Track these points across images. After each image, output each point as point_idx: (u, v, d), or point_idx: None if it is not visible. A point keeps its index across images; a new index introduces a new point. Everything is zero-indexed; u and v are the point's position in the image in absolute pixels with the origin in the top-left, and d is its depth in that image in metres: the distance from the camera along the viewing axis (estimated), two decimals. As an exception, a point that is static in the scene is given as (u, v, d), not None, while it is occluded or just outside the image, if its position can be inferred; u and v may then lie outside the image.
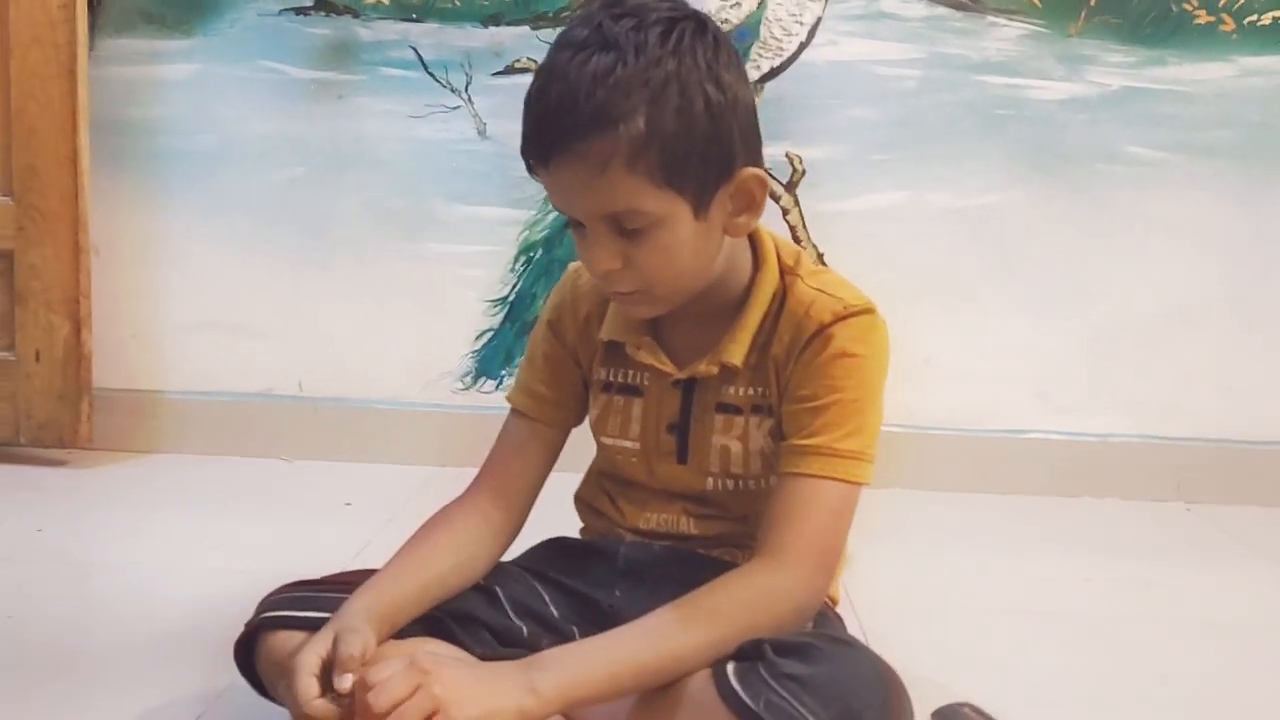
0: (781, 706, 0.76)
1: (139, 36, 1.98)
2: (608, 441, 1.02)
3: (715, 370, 0.95)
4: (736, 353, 0.94)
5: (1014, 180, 1.95)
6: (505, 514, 0.98)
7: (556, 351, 1.02)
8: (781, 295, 0.95)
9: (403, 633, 0.90)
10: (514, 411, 1.03)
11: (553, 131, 0.81)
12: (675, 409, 0.98)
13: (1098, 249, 1.96)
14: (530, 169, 0.87)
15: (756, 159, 0.89)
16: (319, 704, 0.78)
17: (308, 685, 0.79)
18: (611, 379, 1.01)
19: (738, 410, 0.96)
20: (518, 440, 1.01)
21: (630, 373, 1.00)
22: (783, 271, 0.96)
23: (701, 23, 0.86)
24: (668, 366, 0.97)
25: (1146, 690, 1.18)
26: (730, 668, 0.80)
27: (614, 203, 0.83)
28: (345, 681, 0.78)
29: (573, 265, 1.05)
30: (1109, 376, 1.98)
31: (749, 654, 0.81)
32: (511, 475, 1.00)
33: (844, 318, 0.91)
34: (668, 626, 0.83)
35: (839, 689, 0.78)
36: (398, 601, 0.88)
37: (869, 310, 0.93)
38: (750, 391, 0.96)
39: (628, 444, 1.01)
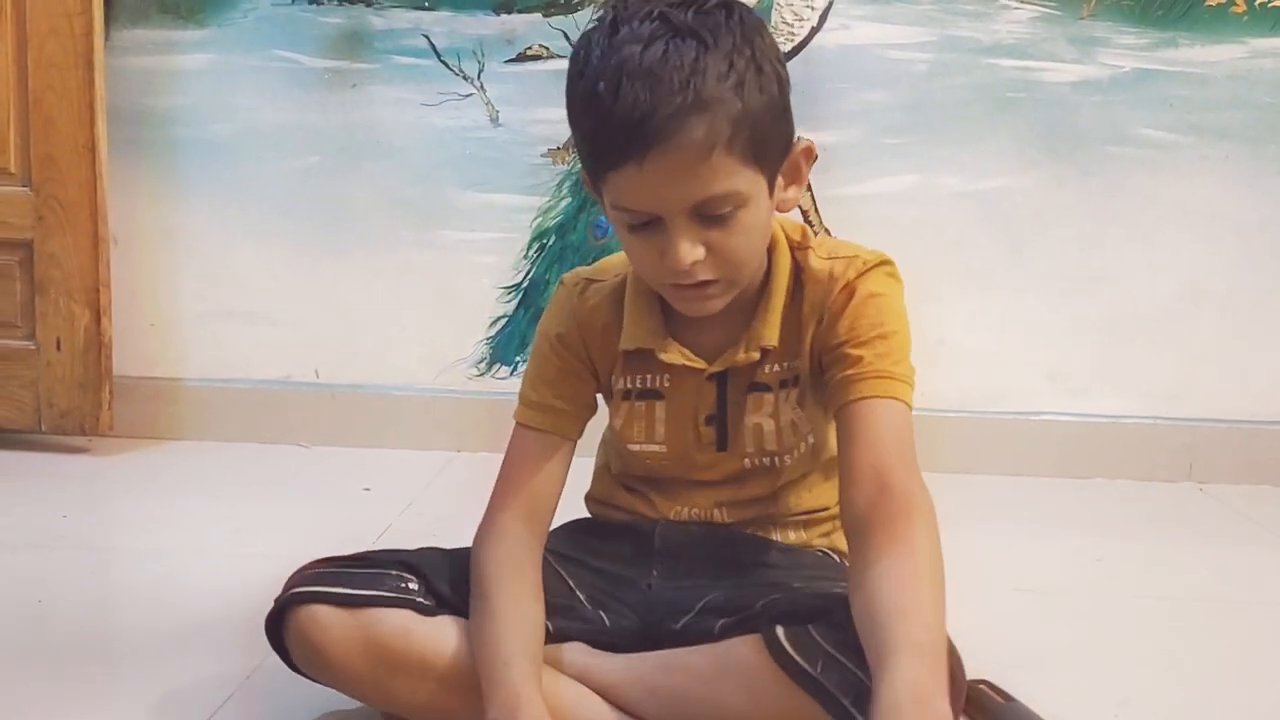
0: (840, 671, 0.79)
1: (154, 27, 2.00)
2: (635, 448, 1.02)
3: (756, 356, 0.96)
4: (771, 335, 0.95)
5: (1026, 163, 1.95)
6: (538, 537, 0.98)
7: (570, 364, 1.01)
8: (796, 270, 0.96)
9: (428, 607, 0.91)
10: (526, 429, 1.00)
11: (648, 125, 0.80)
12: (711, 401, 0.99)
13: (1109, 231, 1.96)
14: (601, 174, 0.85)
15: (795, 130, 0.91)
16: None
17: None
18: (631, 385, 1.01)
19: (767, 388, 0.98)
20: (538, 458, 0.99)
21: (650, 377, 1.00)
22: (793, 248, 0.97)
23: (744, 4, 0.87)
24: (698, 363, 0.97)
25: (1157, 666, 1.19)
26: (782, 633, 0.82)
27: (712, 187, 0.83)
28: None
29: (568, 278, 1.04)
30: (1121, 358, 1.99)
31: (796, 617, 0.82)
32: (537, 495, 0.98)
33: (864, 273, 0.94)
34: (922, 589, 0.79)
35: None
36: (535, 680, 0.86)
37: (884, 261, 0.96)
38: (779, 368, 0.97)
39: (655, 447, 1.01)
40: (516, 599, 0.90)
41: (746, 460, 1.00)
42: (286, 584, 0.94)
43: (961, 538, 1.60)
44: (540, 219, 2.00)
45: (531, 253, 2.02)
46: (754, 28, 0.85)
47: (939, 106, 1.95)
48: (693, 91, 0.80)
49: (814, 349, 0.96)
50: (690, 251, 0.85)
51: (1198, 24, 1.91)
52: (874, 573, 0.80)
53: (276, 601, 0.93)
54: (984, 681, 1.05)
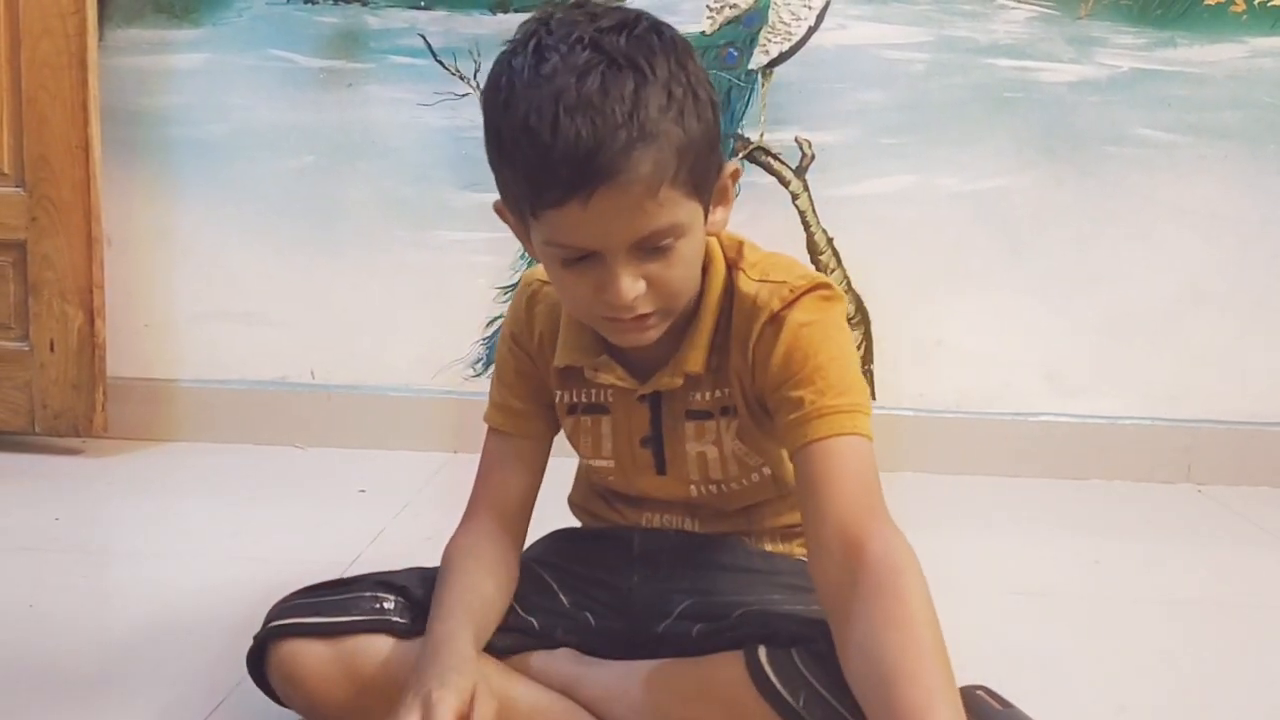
0: (823, 703, 0.77)
1: (148, 26, 1.99)
2: (586, 459, 1.02)
3: (679, 382, 0.93)
4: (697, 359, 0.91)
5: (1023, 163, 1.95)
6: (510, 534, 0.97)
7: (524, 364, 1.00)
8: (729, 290, 0.92)
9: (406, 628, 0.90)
10: (493, 431, 1.00)
11: (593, 164, 0.75)
12: (645, 422, 0.96)
13: (1108, 231, 1.96)
14: (534, 211, 0.80)
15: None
16: None
17: None
18: (576, 400, 0.99)
19: (708, 414, 0.94)
20: (503, 460, 0.99)
21: (593, 391, 0.98)
22: (728, 264, 0.93)
23: (664, 23, 0.83)
24: (629, 383, 0.94)
25: (1156, 670, 1.19)
26: (764, 655, 0.81)
27: (657, 221, 0.79)
28: None
29: (525, 276, 1.02)
30: (1119, 359, 1.98)
31: (779, 639, 0.81)
32: (506, 495, 0.98)
33: (791, 303, 0.88)
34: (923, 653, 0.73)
35: None
36: (480, 638, 0.87)
37: (816, 285, 0.90)
38: (715, 394, 0.94)
39: (603, 462, 1.00)
40: (468, 589, 0.90)
41: (693, 488, 0.97)
42: (265, 618, 0.93)
43: (958, 540, 1.61)
44: (536, 219, 2.00)
45: (527, 253, 2.01)
46: (684, 51, 0.81)
47: (936, 106, 1.94)
48: (637, 125, 0.76)
49: (745, 385, 0.92)
50: (632, 287, 0.81)
51: (1196, 23, 1.91)
52: (867, 641, 0.73)
53: (255, 638, 0.92)
54: (981, 687, 1.04)
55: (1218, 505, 1.85)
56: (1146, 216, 1.95)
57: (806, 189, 1.96)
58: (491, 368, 1.99)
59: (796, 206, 1.95)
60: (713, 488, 0.97)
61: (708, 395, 0.94)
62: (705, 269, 0.91)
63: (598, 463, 1.00)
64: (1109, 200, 1.95)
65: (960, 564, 1.51)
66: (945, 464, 1.96)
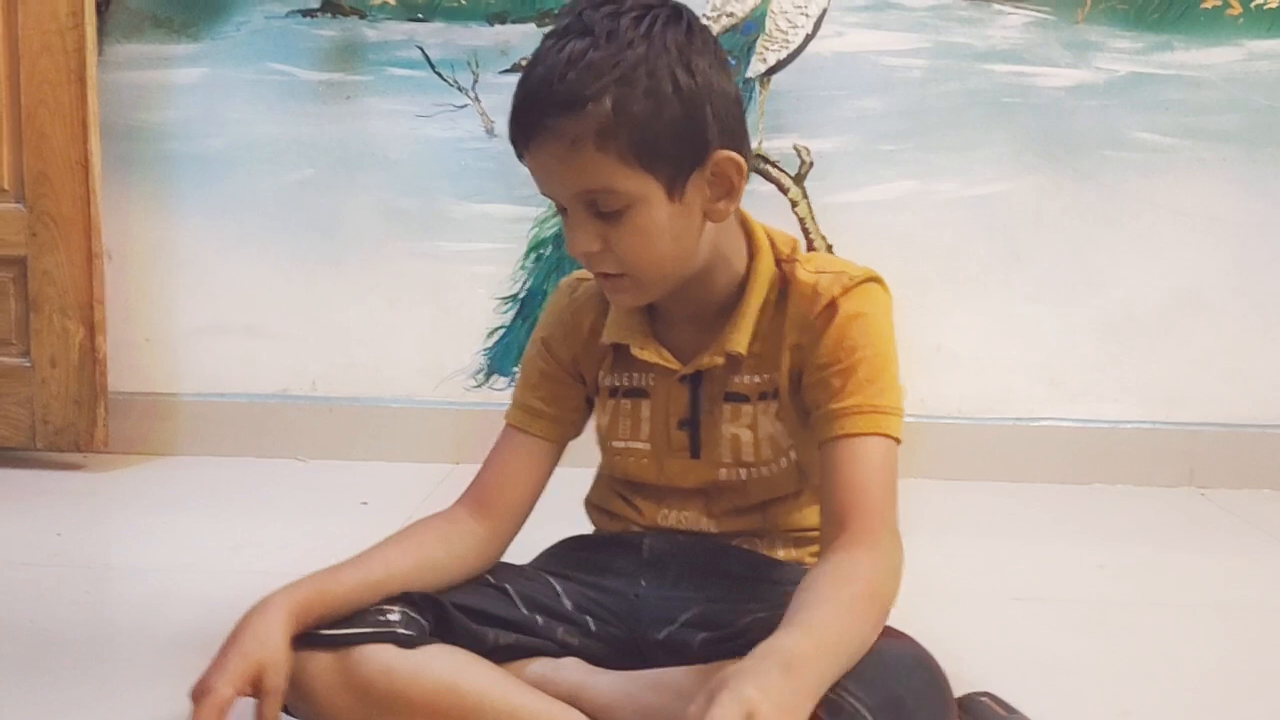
0: (827, 695, 0.77)
1: (147, 41, 1.99)
2: (619, 445, 1.03)
3: (721, 361, 0.96)
4: (741, 341, 0.95)
5: (1022, 168, 1.95)
6: (487, 525, 0.99)
7: (552, 368, 1.04)
8: (782, 284, 0.96)
9: (410, 631, 0.91)
10: (509, 428, 1.04)
11: (531, 113, 0.85)
12: (684, 404, 0.99)
13: (1106, 236, 1.96)
14: (518, 155, 0.90)
15: (736, 146, 0.90)
16: None
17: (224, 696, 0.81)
18: (618, 384, 1.02)
19: (745, 398, 0.98)
20: (510, 454, 1.02)
21: (636, 375, 1.01)
22: (780, 260, 0.97)
23: (677, 10, 0.88)
24: (673, 363, 0.98)
25: (1160, 674, 1.18)
26: None
27: (587, 181, 0.86)
28: None
29: (565, 281, 1.07)
30: (1119, 363, 1.98)
31: None
32: (496, 488, 1.00)
33: (849, 289, 0.94)
34: (828, 616, 0.78)
35: (881, 674, 0.78)
36: (332, 600, 0.89)
37: (871, 278, 0.95)
38: (756, 379, 0.97)
39: (639, 445, 1.02)
40: (386, 546, 0.94)
41: (722, 471, 0.99)
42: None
43: (961, 546, 1.61)
44: (537, 229, 2.00)
45: (528, 263, 2.02)
46: (663, 33, 0.85)
47: (934, 112, 1.94)
48: (564, 86, 0.83)
49: (793, 364, 0.95)
50: (582, 241, 0.89)
51: (1193, 27, 1.91)
52: (806, 581, 0.81)
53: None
54: (986, 693, 1.05)
55: (1220, 509, 1.85)
56: (1145, 220, 1.95)
57: (805, 196, 1.96)
58: (494, 377, 2.03)
59: (795, 214, 1.96)
60: (742, 471, 0.99)
61: (749, 379, 0.97)
62: (753, 258, 0.96)
63: (633, 445, 1.02)
64: (1108, 204, 1.95)
65: (963, 570, 1.51)
66: (947, 470, 1.96)
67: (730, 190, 0.91)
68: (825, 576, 0.82)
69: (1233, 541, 1.70)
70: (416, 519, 1.00)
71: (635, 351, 0.98)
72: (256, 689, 0.83)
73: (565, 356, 1.03)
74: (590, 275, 1.02)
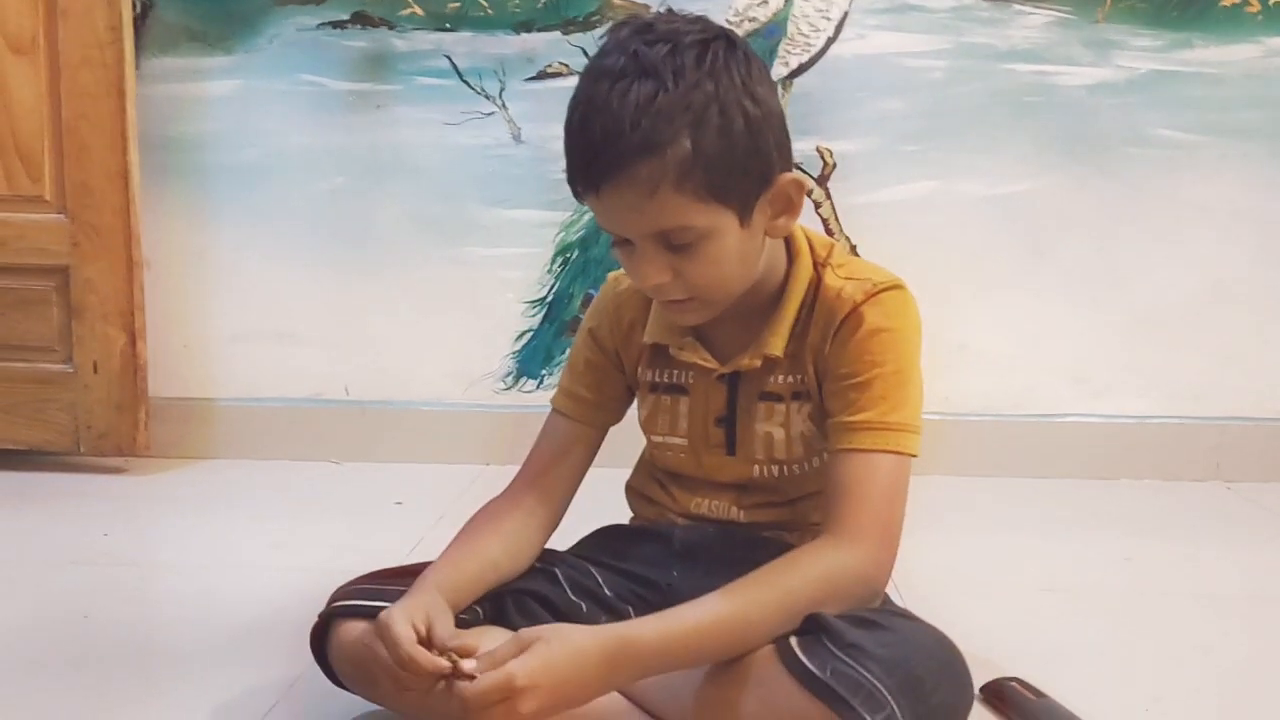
0: (848, 674, 0.80)
1: (182, 55, 2.04)
2: (657, 439, 1.07)
3: (758, 363, 0.99)
4: (777, 344, 0.98)
5: (1045, 167, 1.97)
6: (545, 509, 1.03)
7: (598, 358, 1.07)
8: (815, 286, 0.98)
9: (465, 615, 0.94)
10: (555, 412, 1.08)
11: (601, 161, 0.85)
12: (722, 402, 1.02)
13: (1130, 232, 1.97)
14: (578, 195, 0.90)
15: (789, 163, 0.93)
16: (424, 654, 0.83)
17: (407, 633, 0.83)
18: (658, 380, 1.05)
19: (779, 398, 1.00)
20: (557, 440, 1.06)
21: (675, 372, 1.04)
22: (815, 264, 0.99)
23: (731, 41, 0.89)
24: (711, 363, 1.00)
25: (1188, 664, 1.20)
26: (794, 641, 0.84)
27: (663, 221, 0.87)
28: (469, 664, 0.82)
29: (612, 275, 1.10)
30: (1145, 358, 1.99)
31: (810, 628, 0.84)
32: (551, 473, 1.04)
33: (873, 295, 0.95)
34: (741, 602, 0.85)
35: (901, 656, 0.82)
36: (461, 584, 0.94)
37: (896, 286, 0.97)
38: (790, 379, 0.99)
39: (677, 440, 1.05)
40: (478, 536, 0.98)
41: (756, 468, 1.02)
42: (329, 599, 0.97)
43: (989, 541, 1.63)
44: (563, 234, 2.03)
45: (555, 267, 2.05)
46: (727, 66, 0.86)
47: (956, 113, 1.96)
48: (640, 133, 0.83)
49: (816, 367, 0.98)
50: (653, 275, 0.90)
51: (1212, 24, 1.92)
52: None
53: (320, 615, 0.96)
54: (1015, 679, 1.07)
55: (1247, 502, 1.86)
56: (1168, 216, 1.96)
57: (829, 197, 1.98)
58: (523, 380, 2.06)
59: (819, 215, 1.98)
60: (775, 468, 1.02)
61: (783, 379, 1.00)
62: (793, 262, 0.99)
63: (672, 440, 1.05)
64: (1131, 201, 1.96)
65: (992, 564, 1.53)
66: (973, 467, 1.97)
67: (789, 208, 0.93)
68: (781, 560, 0.87)
69: (1259, 534, 1.71)
70: (485, 506, 1.03)
71: (675, 353, 1.01)
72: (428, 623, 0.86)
73: (610, 347, 1.07)
74: None
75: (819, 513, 0.94)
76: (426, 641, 0.84)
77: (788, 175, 0.92)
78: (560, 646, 0.80)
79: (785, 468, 1.02)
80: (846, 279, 0.97)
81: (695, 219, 0.87)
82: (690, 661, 0.85)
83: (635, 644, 0.82)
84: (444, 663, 0.82)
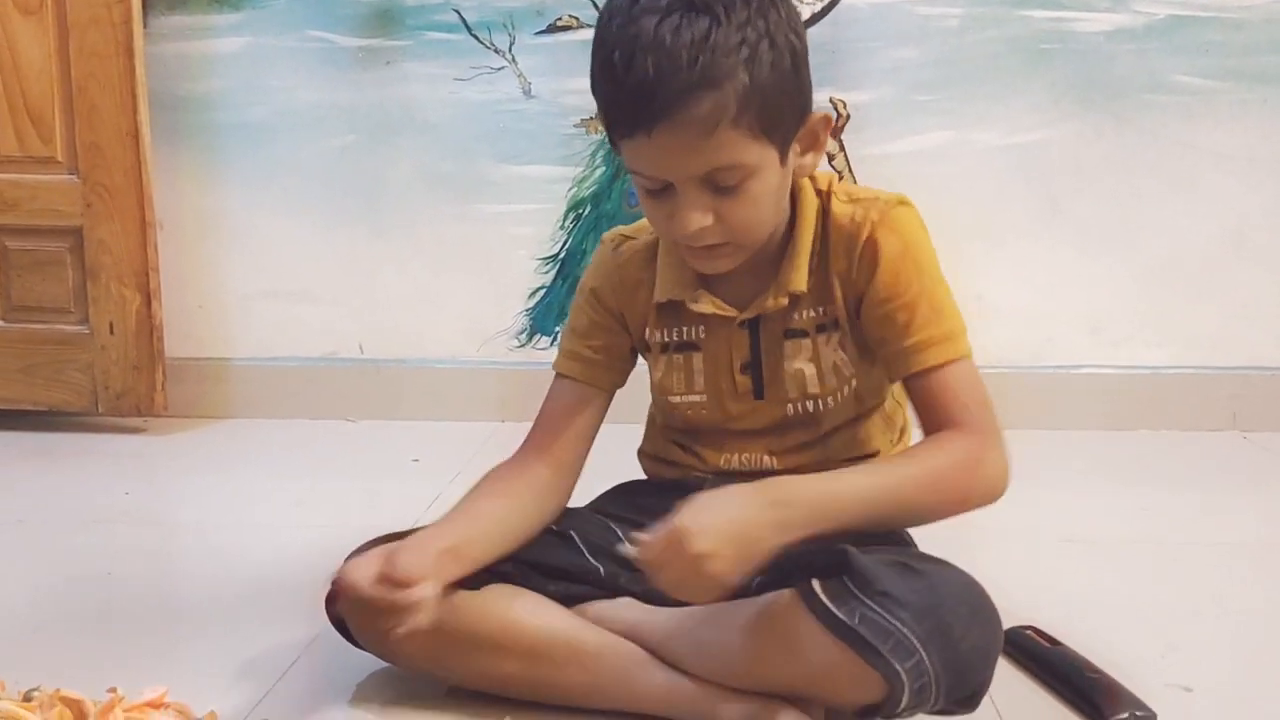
0: (876, 621, 0.80)
1: (190, 12, 2.02)
2: (675, 400, 1.05)
3: (785, 302, 0.98)
4: (799, 280, 0.97)
5: (1061, 115, 1.94)
6: (554, 474, 1.02)
7: (602, 318, 1.05)
8: (823, 216, 0.98)
9: (474, 581, 0.94)
10: (560, 378, 1.06)
11: (657, 100, 0.83)
12: (746, 349, 1.01)
13: (1147, 181, 1.95)
14: (618, 140, 0.88)
15: (813, 102, 0.93)
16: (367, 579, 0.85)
17: (365, 564, 0.86)
18: (668, 339, 1.04)
19: (804, 334, 0.99)
20: (564, 403, 1.04)
21: (685, 329, 1.03)
22: (819, 194, 0.99)
23: None
24: (730, 311, 0.99)
25: (1204, 612, 1.20)
26: (819, 587, 0.84)
27: (719, 159, 0.86)
28: (426, 588, 0.85)
29: (608, 235, 1.08)
30: (1162, 308, 1.98)
31: (835, 571, 0.85)
32: (559, 437, 1.03)
33: (885, 214, 0.96)
34: (893, 475, 0.89)
35: (930, 603, 0.82)
36: (467, 538, 0.93)
37: (899, 202, 0.97)
38: (813, 313, 0.99)
39: (695, 398, 1.04)
40: (482, 494, 0.99)
41: (790, 407, 1.02)
42: (344, 563, 0.97)
43: (1009, 492, 1.62)
44: (575, 189, 2.02)
45: (568, 223, 2.04)
46: (772, 1, 0.86)
47: (972, 61, 1.94)
48: (700, 68, 0.82)
49: (848, 296, 0.98)
50: (697, 219, 0.88)
51: (1233, -33, 1.89)
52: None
53: (333, 583, 0.96)
54: (1031, 627, 1.07)
55: (1264, 451, 1.85)
56: (1187, 164, 1.94)
57: (843, 149, 1.96)
58: (536, 337, 2.06)
59: (833, 166, 1.96)
60: (809, 404, 1.01)
61: (807, 314, 0.99)
62: (796, 197, 0.97)
63: (689, 398, 1.04)
64: (1148, 149, 1.94)
65: (1010, 514, 1.51)
66: (990, 419, 1.96)
67: (816, 144, 0.94)
68: (923, 443, 0.91)
69: (1276, 484, 1.71)
70: (490, 471, 1.03)
71: (691, 305, 1.00)
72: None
73: (614, 307, 1.05)
74: (633, 233, 1.06)
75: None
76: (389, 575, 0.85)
77: (818, 112, 0.92)
78: (714, 493, 0.83)
79: (820, 401, 1.01)
80: (852, 203, 0.97)
81: (747, 156, 0.87)
82: (841, 522, 0.85)
83: (793, 486, 0.86)
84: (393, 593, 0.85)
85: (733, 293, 1.00)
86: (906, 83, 1.95)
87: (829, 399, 1.01)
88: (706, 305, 1.00)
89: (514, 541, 0.97)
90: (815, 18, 1.93)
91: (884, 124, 1.96)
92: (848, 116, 1.95)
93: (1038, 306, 1.99)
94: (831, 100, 1.95)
